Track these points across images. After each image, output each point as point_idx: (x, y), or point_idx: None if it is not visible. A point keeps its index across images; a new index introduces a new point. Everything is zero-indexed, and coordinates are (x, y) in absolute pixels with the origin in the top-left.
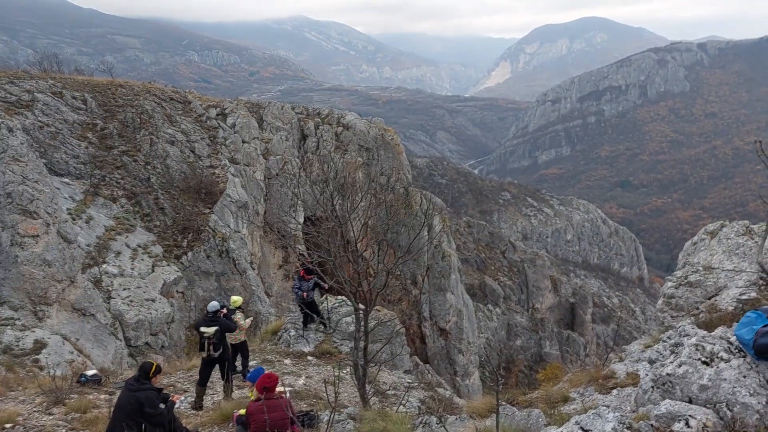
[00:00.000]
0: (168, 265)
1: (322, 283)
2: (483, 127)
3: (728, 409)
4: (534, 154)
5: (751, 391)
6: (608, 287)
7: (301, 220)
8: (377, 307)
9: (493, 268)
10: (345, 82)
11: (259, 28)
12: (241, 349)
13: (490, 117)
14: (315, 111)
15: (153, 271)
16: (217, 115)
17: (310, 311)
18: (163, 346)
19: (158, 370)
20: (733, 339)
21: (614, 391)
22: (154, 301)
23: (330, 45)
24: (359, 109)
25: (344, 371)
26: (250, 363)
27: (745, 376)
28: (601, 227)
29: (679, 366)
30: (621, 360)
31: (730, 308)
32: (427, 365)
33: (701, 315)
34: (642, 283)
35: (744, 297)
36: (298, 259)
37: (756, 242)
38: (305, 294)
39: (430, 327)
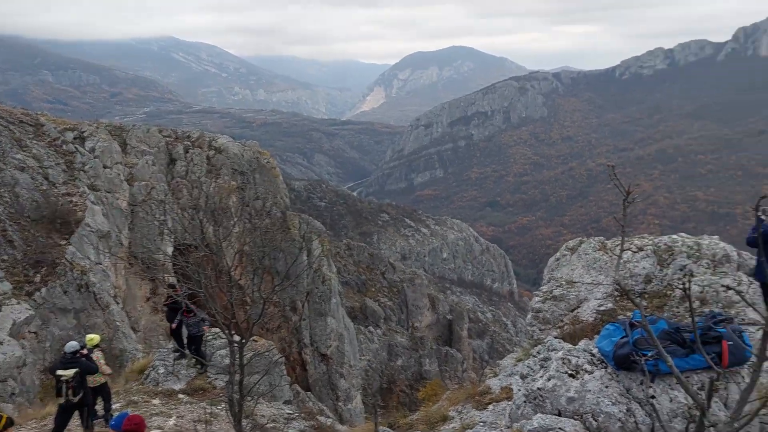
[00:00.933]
0: (18, 303)
1: (206, 320)
2: (360, 150)
3: (593, 419)
4: (410, 176)
5: (613, 400)
6: (482, 302)
7: (170, 249)
8: (254, 337)
9: (373, 289)
10: (217, 104)
11: (122, 48)
12: (102, 391)
13: (367, 140)
14: (185, 134)
15: (0, 310)
16: (75, 138)
17: (195, 353)
18: (13, 394)
19: (9, 423)
20: (595, 351)
21: (490, 407)
22: (2, 343)
23: (200, 66)
24: (233, 131)
25: (218, 407)
26: (113, 406)
27: (607, 386)
28: (474, 245)
29: (549, 380)
30: (495, 375)
31: (591, 319)
32: (309, 393)
33: (566, 327)
34: (512, 297)
35: (602, 308)
36: (167, 292)
37: (610, 257)
38: (191, 333)
39: (311, 353)
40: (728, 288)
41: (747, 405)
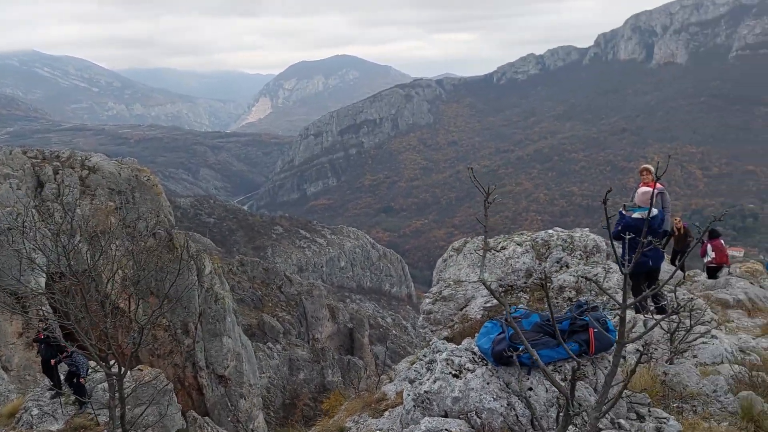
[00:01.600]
0: None
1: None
2: (248, 162)
3: (477, 416)
4: (303, 187)
5: (495, 396)
6: (381, 308)
7: (42, 279)
8: (140, 366)
9: (270, 304)
10: (89, 121)
11: None
12: None
13: (254, 152)
14: (53, 154)
15: None
16: None
17: (75, 389)
18: None
19: None
20: (476, 349)
21: (386, 414)
22: None
23: (68, 81)
24: (108, 149)
25: None
26: None
27: (488, 383)
28: (371, 251)
29: (434, 382)
30: (391, 380)
31: (478, 316)
32: (206, 418)
33: (456, 326)
34: (411, 300)
35: (488, 305)
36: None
37: (493, 254)
38: (69, 368)
39: (207, 376)
40: (586, 279)
41: (615, 388)
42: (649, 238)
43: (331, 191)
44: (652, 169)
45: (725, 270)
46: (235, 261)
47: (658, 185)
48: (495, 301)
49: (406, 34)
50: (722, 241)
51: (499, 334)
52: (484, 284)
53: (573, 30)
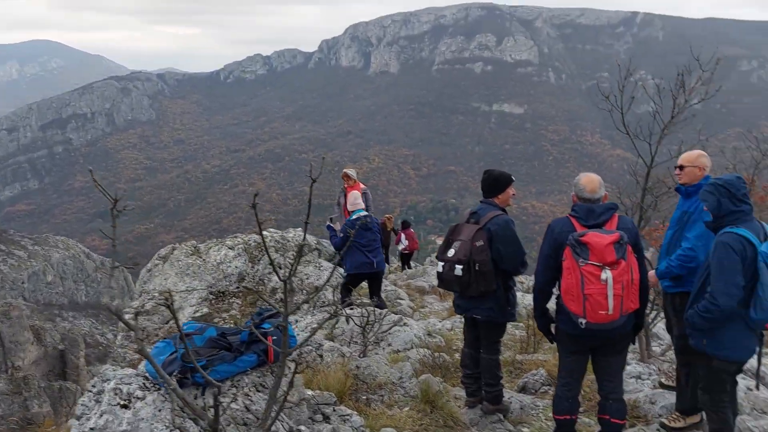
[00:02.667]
0: None
1: None
2: None
3: None
4: None
5: (167, 424)
6: (101, 323)
7: None
8: None
9: None
10: None
11: None
12: None
13: None
14: None
15: None
16: None
17: None
18: None
19: None
20: (148, 374)
21: None
22: None
23: None
24: None
25: None
26: None
27: (160, 410)
28: (86, 262)
29: (101, 416)
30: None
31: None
32: None
33: None
34: None
35: (198, 314)
36: None
37: (204, 260)
38: None
39: None
40: (247, 289)
41: (296, 395)
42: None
43: (33, 195)
44: (351, 173)
45: (415, 254)
46: None
47: (362, 186)
48: (205, 310)
49: (120, 23)
50: (413, 231)
51: (171, 354)
52: (115, 313)
53: (298, 34)
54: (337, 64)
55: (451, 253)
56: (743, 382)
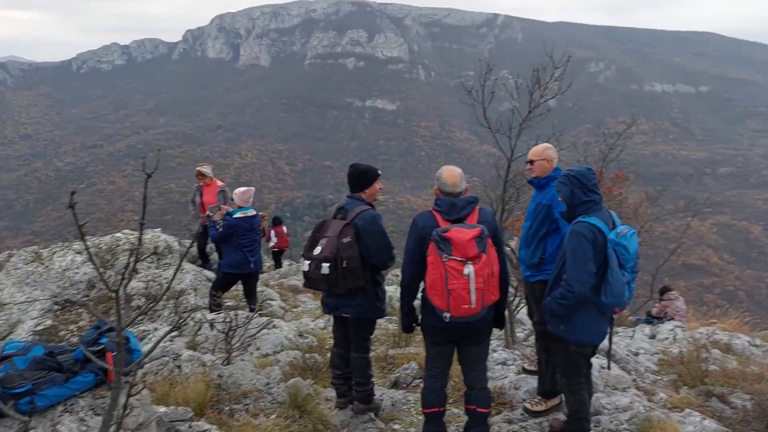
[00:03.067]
0: None
1: None
2: None
3: None
4: None
5: None
6: None
7: None
8: None
9: None
10: None
11: None
12: None
13: None
14: None
15: None
16: None
17: None
18: None
19: None
20: None
21: None
22: None
23: None
24: None
25: None
26: None
27: None
28: None
29: None
30: None
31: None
32: None
33: None
34: None
35: (40, 327)
36: None
37: (46, 267)
38: None
39: None
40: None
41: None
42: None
43: None
44: (206, 170)
45: (287, 252)
46: None
47: (220, 183)
48: (49, 322)
49: None
50: (284, 228)
51: None
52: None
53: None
54: (204, 56)
55: (317, 250)
56: (597, 361)
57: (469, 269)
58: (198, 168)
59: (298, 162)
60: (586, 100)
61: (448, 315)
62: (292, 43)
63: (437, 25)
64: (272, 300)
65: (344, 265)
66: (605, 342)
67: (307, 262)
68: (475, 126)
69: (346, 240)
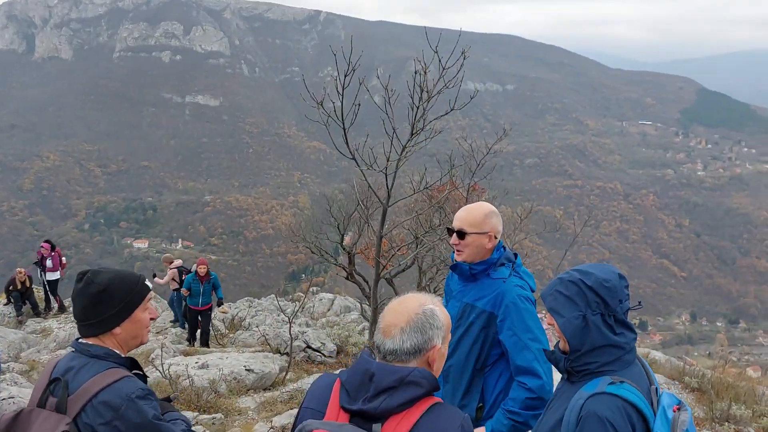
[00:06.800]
0: None
1: None
2: None
3: None
4: None
5: None
6: None
7: None
8: None
9: None
10: None
11: None
12: None
13: None
14: None
15: None
16: None
17: None
18: None
19: None
20: None
21: None
22: None
23: None
24: None
25: None
26: None
27: None
28: None
29: None
30: None
31: None
32: None
33: None
34: None
35: None
36: None
37: None
38: None
39: None
40: None
41: None
42: None
43: None
44: None
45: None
46: None
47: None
48: None
49: None
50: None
51: None
52: None
53: None
54: None
55: None
56: None
57: None
58: None
59: (111, 163)
60: (408, 98)
61: None
62: (97, 34)
63: (259, 20)
64: None
65: None
66: None
67: None
68: (304, 122)
69: None
